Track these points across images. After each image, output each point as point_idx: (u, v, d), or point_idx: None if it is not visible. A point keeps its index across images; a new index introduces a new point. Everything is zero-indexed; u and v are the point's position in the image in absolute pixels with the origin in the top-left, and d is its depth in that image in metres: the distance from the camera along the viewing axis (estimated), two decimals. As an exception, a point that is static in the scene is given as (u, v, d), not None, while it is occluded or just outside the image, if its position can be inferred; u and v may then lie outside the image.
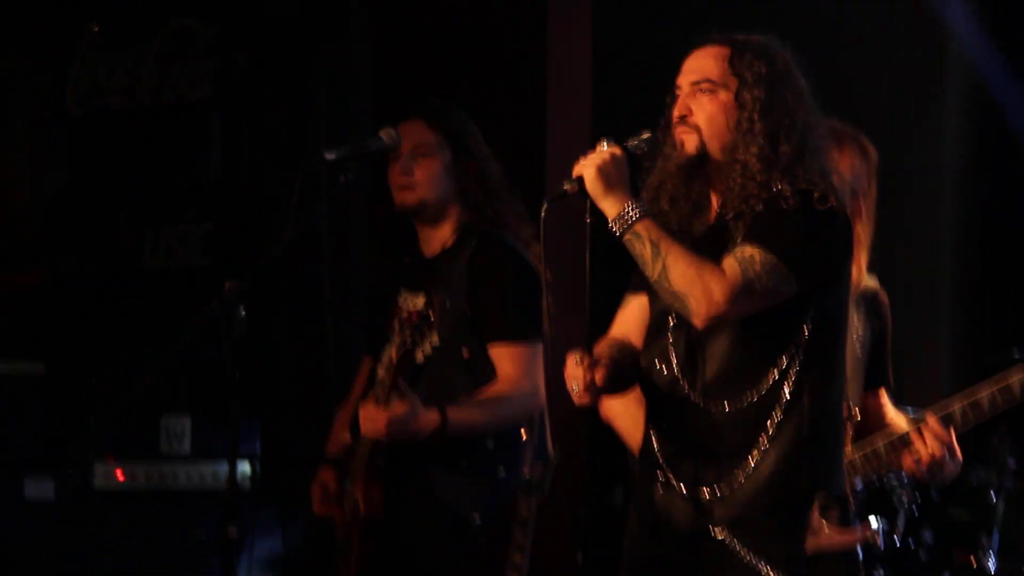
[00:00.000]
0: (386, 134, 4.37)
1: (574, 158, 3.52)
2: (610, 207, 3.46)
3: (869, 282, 4.24)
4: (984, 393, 4.02)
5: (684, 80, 3.58)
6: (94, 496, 5.94)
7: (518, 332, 4.38)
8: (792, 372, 3.49)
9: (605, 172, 3.45)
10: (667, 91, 3.62)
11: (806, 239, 3.45)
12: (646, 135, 3.57)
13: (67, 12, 6.86)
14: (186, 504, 5.90)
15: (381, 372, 4.42)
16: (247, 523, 5.59)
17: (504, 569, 4.85)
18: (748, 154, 3.48)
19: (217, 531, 5.22)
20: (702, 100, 3.54)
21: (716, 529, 3.52)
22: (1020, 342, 5.30)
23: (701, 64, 3.57)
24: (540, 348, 4.40)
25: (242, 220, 6.25)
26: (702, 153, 3.53)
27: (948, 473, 4.02)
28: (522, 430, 4.47)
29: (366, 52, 6.55)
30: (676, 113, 3.56)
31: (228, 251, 6.36)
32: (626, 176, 3.48)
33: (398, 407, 4.20)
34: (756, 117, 3.50)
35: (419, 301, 4.43)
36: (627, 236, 3.45)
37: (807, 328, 3.49)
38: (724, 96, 3.53)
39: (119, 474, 5.92)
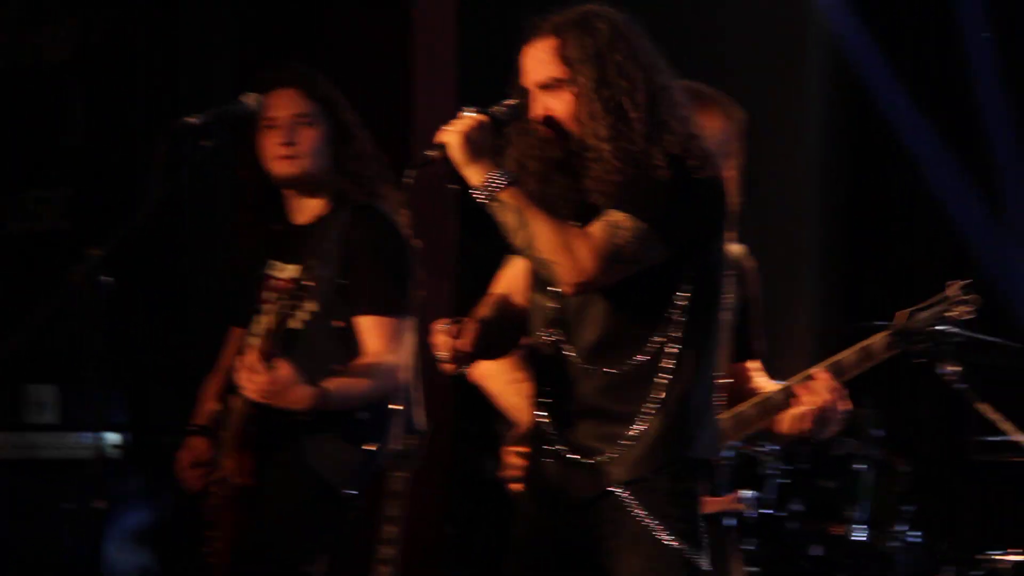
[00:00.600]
0: (250, 98, 4.31)
1: (440, 125, 3.48)
2: (474, 174, 3.43)
3: (734, 248, 4.24)
4: (847, 352, 4.06)
5: (528, 81, 3.53)
6: (-45, 466, 5.85)
7: (385, 305, 4.35)
8: (674, 335, 3.48)
9: (470, 140, 3.42)
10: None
11: (678, 207, 3.43)
12: (510, 102, 3.53)
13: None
14: (52, 474, 5.81)
15: (255, 341, 4.36)
16: (114, 494, 5.53)
17: (375, 542, 4.82)
18: (599, 139, 3.44)
19: (84, 502, 5.15)
20: (552, 99, 3.49)
21: (612, 489, 3.50)
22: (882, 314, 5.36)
23: (537, 64, 3.51)
24: (407, 322, 4.36)
25: (104, 184, 6.16)
26: (569, 148, 3.50)
27: (833, 426, 4.02)
28: (393, 402, 4.44)
29: (229, 15, 6.47)
30: (538, 114, 3.50)
31: (90, 216, 6.26)
32: (491, 144, 3.44)
33: (283, 370, 4.15)
34: (595, 97, 3.46)
35: (292, 271, 4.38)
36: (492, 204, 3.42)
37: (686, 291, 3.48)
38: (568, 90, 3.48)
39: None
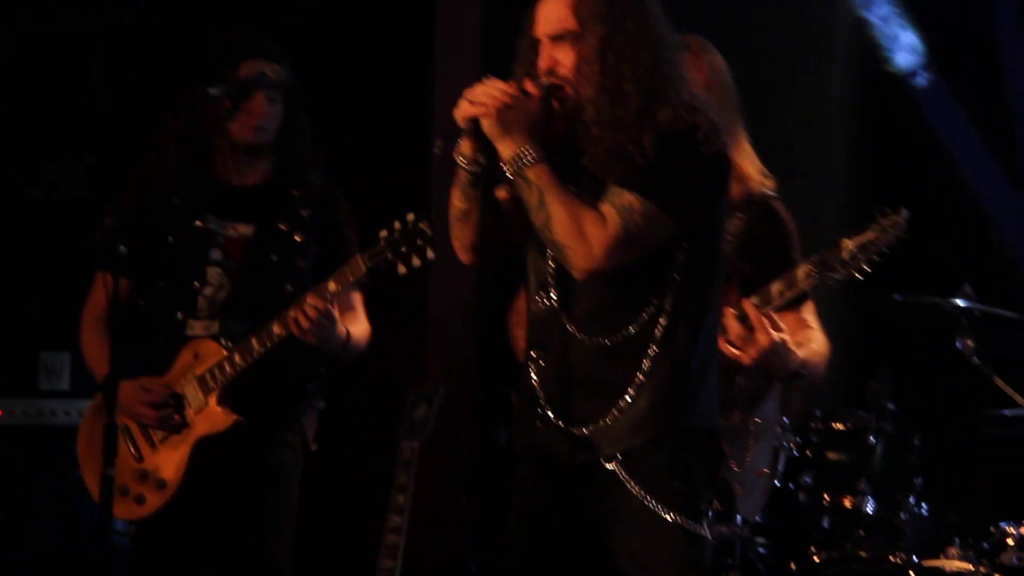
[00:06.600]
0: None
1: (461, 91, 3.47)
2: (504, 148, 3.43)
3: (764, 189, 4.30)
4: (774, 282, 4.15)
5: (541, 31, 3.54)
6: (-30, 432, 5.87)
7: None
8: (667, 306, 3.49)
9: (503, 112, 3.42)
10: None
11: (686, 183, 3.45)
12: (545, 80, 3.51)
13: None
14: (65, 441, 5.83)
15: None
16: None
17: (387, 511, 4.84)
18: (588, 101, 3.46)
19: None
20: (560, 52, 3.50)
21: (605, 462, 3.51)
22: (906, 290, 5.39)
23: (551, 14, 3.53)
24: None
25: (124, 153, 6.15)
26: (575, 103, 3.50)
27: (778, 359, 4.02)
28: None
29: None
30: (543, 65, 3.52)
31: (109, 184, 6.25)
32: (523, 117, 3.43)
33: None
34: (597, 58, 3.46)
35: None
36: (517, 180, 3.43)
37: (681, 262, 3.50)
38: (575, 46, 3.49)
39: (-3, 410, 5.86)
